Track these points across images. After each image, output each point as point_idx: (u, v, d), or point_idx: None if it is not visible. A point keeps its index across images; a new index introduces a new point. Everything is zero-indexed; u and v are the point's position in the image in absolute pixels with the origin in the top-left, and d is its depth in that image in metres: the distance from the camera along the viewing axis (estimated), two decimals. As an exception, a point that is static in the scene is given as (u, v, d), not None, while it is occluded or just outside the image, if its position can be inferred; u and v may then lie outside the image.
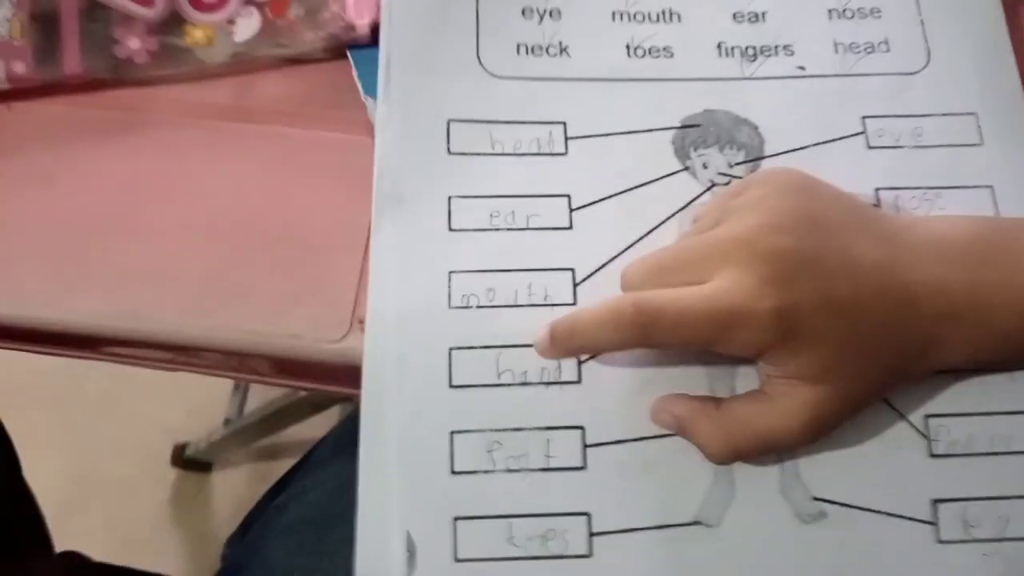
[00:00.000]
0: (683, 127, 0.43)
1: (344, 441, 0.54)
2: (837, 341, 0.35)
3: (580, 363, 0.39)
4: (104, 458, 1.16)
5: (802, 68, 0.45)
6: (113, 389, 1.18)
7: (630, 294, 0.37)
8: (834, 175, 0.42)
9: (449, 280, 0.40)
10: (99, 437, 1.18)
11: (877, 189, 0.42)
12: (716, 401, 0.37)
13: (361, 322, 0.40)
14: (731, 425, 0.36)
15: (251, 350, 0.41)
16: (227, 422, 1.17)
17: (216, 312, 0.41)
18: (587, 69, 0.45)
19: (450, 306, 0.39)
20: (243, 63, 0.47)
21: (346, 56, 0.46)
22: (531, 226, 0.41)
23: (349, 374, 0.40)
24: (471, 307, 0.39)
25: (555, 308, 0.40)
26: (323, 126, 0.45)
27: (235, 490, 1.16)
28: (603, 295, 0.39)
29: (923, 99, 0.45)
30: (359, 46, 0.46)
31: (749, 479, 0.37)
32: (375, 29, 0.45)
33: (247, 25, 0.46)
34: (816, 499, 0.37)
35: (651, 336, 0.35)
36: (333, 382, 0.43)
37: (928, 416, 0.39)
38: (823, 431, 0.36)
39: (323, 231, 0.43)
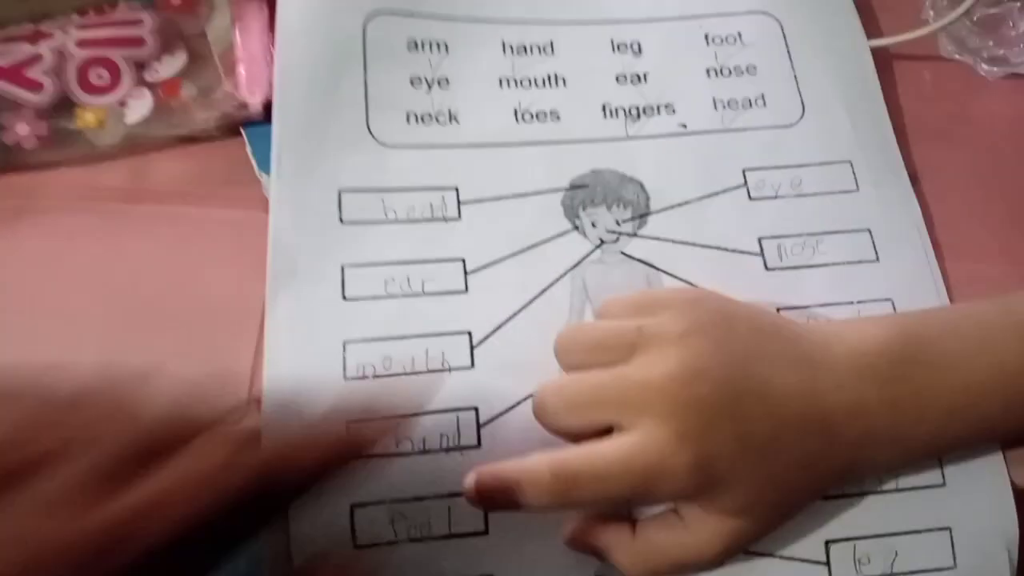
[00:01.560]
0: (572, 188, 0.44)
1: None
2: (755, 481, 0.35)
3: (479, 426, 0.39)
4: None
5: (684, 125, 0.47)
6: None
7: (545, 459, 0.35)
8: (718, 227, 0.44)
9: (344, 350, 0.40)
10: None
11: (760, 238, 0.44)
12: (631, 526, 0.37)
13: (258, 401, 0.40)
14: (649, 553, 0.36)
15: None
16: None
17: None
18: (477, 135, 0.46)
19: (346, 377, 0.40)
20: (136, 144, 0.46)
21: (240, 133, 0.47)
22: (426, 291, 0.42)
23: None
24: (367, 377, 0.40)
25: (453, 372, 0.40)
26: (218, 203, 0.45)
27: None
28: (500, 358, 0.40)
29: (800, 150, 0.46)
30: (253, 123, 0.47)
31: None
32: (268, 106, 0.46)
33: (139, 106, 0.46)
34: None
35: (570, 499, 0.34)
36: None
37: None
38: (737, 552, 0.37)
39: (217, 310, 0.42)
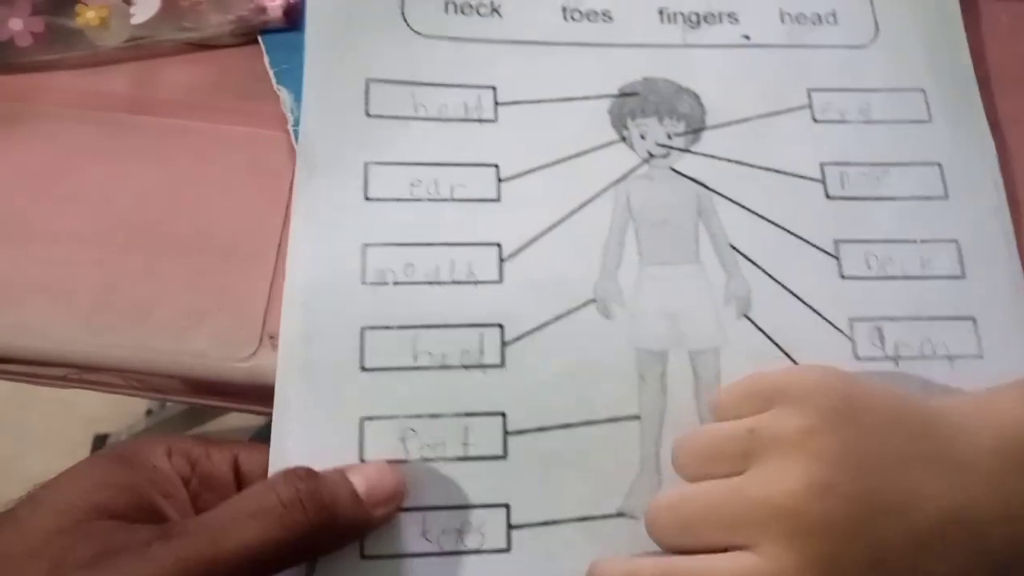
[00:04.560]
0: (621, 95, 0.41)
1: None
2: None
3: (504, 345, 0.36)
4: (23, 451, 1.11)
5: (747, 37, 0.43)
6: (29, 377, 1.13)
7: (655, 563, 0.32)
8: (777, 148, 0.40)
9: (364, 253, 0.37)
10: (17, 429, 1.13)
11: (823, 164, 0.40)
12: None
13: (272, 338, 0.36)
14: None
15: (151, 369, 0.37)
16: (149, 412, 1.12)
17: (113, 329, 0.37)
18: (520, 31, 0.42)
19: (364, 282, 0.36)
20: (142, 48, 0.42)
21: (257, 41, 0.42)
22: (455, 197, 0.38)
23: (260, 394, 0.36)
24: (387, 283, 0.36)
25: (479, 286, 0.37)
26: (231, 119, 0.41)
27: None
28: (530, 274, 0.37)
29: (871, 73, 0.42)
30: (271, 30, 0.42)
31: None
32: (288, 12, 0.42)
33: (146, 5, 0.42)
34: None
35: None
36: (243, 401, 0.39)
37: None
38: None
39: (231, 237, 0.38)
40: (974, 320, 0.38)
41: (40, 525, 0.28)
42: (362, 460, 0.34)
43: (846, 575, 0.30)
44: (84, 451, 1.11)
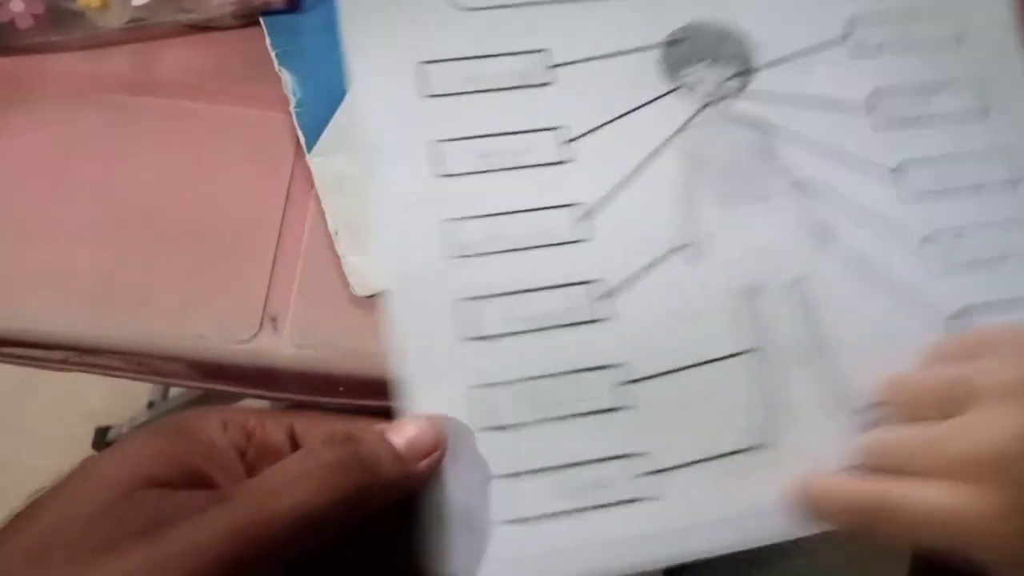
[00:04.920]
0: (670, 43, 0.41)
1: None
2: None
3: (603, 298, 0.37)
4: (23, 445, 1.10)
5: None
6: (30, 372, 1.11)
7: (874, 490, 0.33)
8: (826, 81, 0.41)
9: (445, 229, 0.37)
10: (17, 423, 1.12)
11: (870, 93, 0.41)
12: None
13: (274, 320, 0.37)
14: None
15: (151, 351, 0.37)
16: (151, 405, 1.11)
17: (114, 312, 0.37)
18: None
19: (452, 256, 0.37)
20: (143, 30, 0.41)
21: (258, 23, 0.42)
22: (524, 164, 0.39)
23: (262, 377, 0.37)
24: (475, 255, 0.37)
25: (565, 246, 0.37)
26: (233, 101, 0.41)
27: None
28: (614, 228, 0.38)
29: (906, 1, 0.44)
30: (273, 12, 0.42)
31: (802, 394, 0.37)
32: None
33: None
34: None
35: (874, 530, 0.33)
36: (246, 385, 0.39)
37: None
38: None
39: (232, 221, 0.39)
40: None
41: (91, 497, 0.28)
42: (484, 427, 0.35)
43: None
44: (85, 445, 1.10)
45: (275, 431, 0.33)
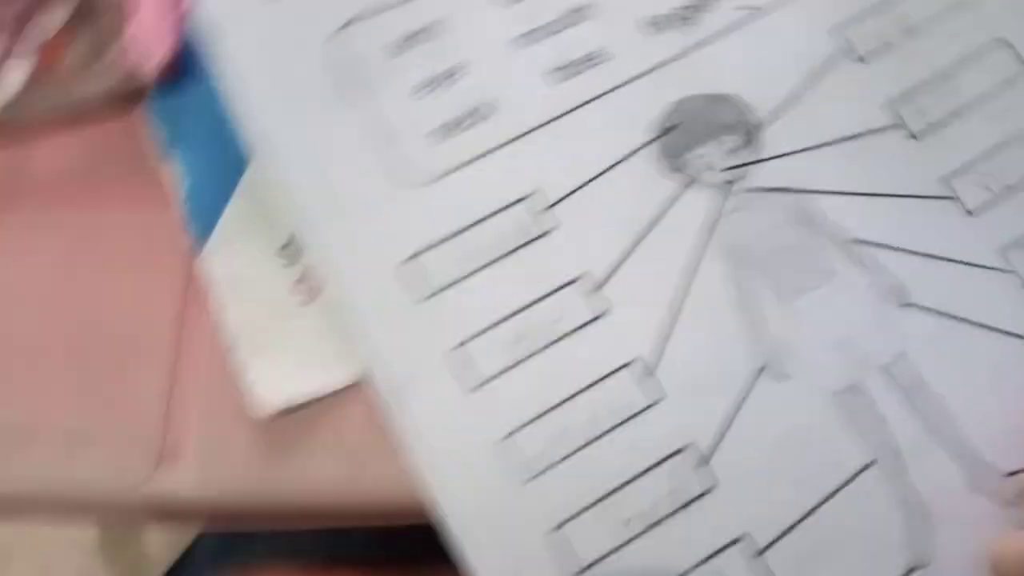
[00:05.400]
0: (661, 135, 0.36)
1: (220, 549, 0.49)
2: None
3: (705, 464, 0.33)
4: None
5: (748, 7, 0.38)
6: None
7: None
8: (841, 110, 0.37)
9: (506, 450, 0.32)
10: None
11: (892, 104, 0.37)
12: None
13: (173, 453, 0.33)
14: None
15: (31, 501, 0.34)
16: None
17: None
18: (525, 119, 0.37)
19: (526, 480, 0.32)
20: (10, 128, 0.37)
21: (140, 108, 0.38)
22: (562, 332, 0.34)
23: (165, 516, 0.34)
24: (548, 469, 0.32)
25: (637, 420, 0.33)
26: (113, 205, 0.37)
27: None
28: (683, 375, 0.33)
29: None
30: (152, 93, 0.37)
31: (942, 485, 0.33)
32: (171, 67, 0.37)
33: (8, 83, 0.36)
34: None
35: None
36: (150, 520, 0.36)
37: None
38: None
39: (118, 341, 0.35)
40: None
41: None
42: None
43: None
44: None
45: None
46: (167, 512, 0.34)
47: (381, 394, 0.33)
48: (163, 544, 1.06)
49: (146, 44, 0.36)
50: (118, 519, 0.34)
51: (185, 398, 0.34)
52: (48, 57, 0.36)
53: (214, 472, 0.34)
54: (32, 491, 0.34)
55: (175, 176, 0.36)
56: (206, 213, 0.35)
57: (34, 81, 0.36)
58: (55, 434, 0.34)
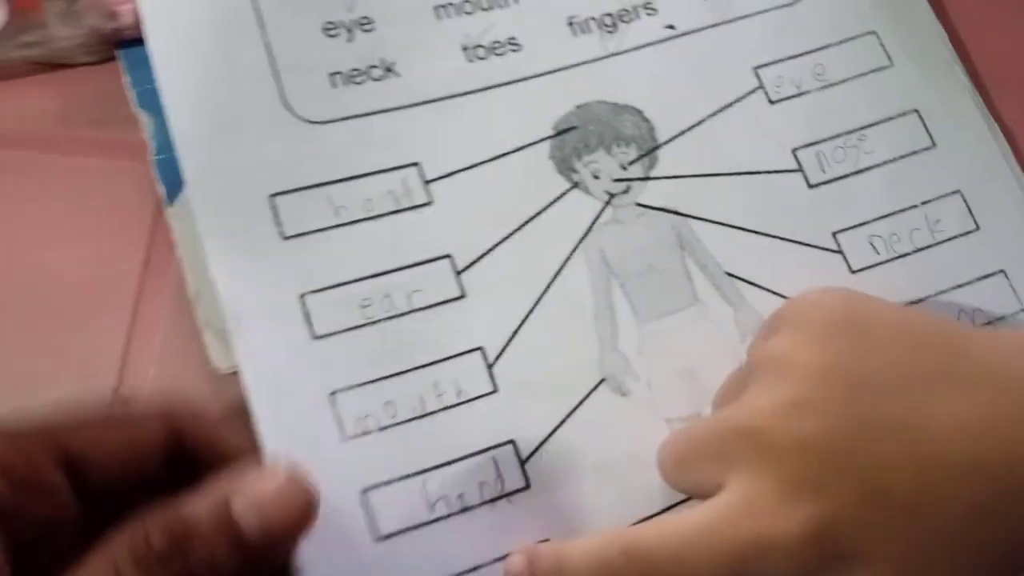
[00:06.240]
0: (558, 134, 0.36)
1: None
2: (901, 556, 0.25)
3: (523, 463, 0.31)
4: None
5: (672, 27, 0.38)
6: None
7: (619, 535, 0.28)
8: (741, 146, 0.36)
9: (334, 404, 0.32)
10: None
11: (794, 150, 0.36)
12: None
13: (125, 403, 0.32)
14: None
15: None
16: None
17: None
18: (425, 87, 0.36)
19: (345, 437, 0.31)
20: None
21: (115, 59, 0.37)
22: (416, 306, 0.33)
23: None
24: (371, 431, 0.31)
25: (475, 403, 0.32)
26: (84, 151, 0.36)
27: None
28: (524, 373, 0.32)
29: (814, 30, 0.38)
30: (131, 43, 0.36)
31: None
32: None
33: None
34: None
35: None
36: None
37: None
38: None
39: (79, 287, 0.34)
40: (1004, 273, 0.35)
41: None
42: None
43: (837, 505, 0.25)
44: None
45: (43, 462, 0.24)
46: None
47: (225, 318, 0.32)
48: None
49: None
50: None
51: (142, 351, 0.34)
52: (25, 1, 0.36)
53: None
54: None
55: (148, 130, 0.35)
56: (176, 172, 0.34)
57: (10, 25, 0.36)
58: (7, 377, 0.32)
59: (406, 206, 0.34)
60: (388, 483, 0.31)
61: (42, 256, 0.35)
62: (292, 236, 0.33)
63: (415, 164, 0.35)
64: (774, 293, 0.34)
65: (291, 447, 0.30)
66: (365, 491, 0.30)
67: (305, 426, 0.31)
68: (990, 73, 0.39)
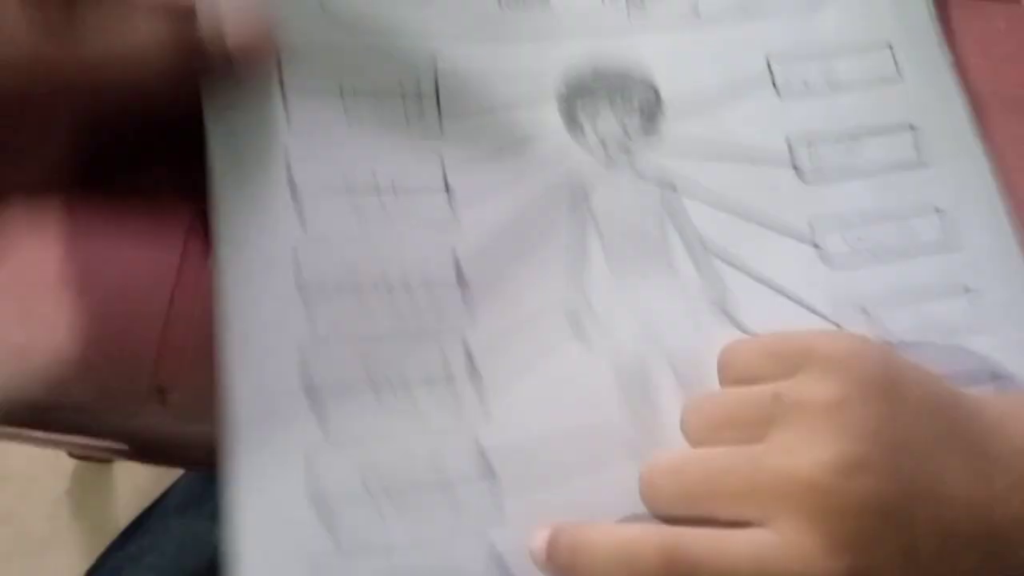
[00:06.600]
0: (569, 91, 0.38)
1: (189, 500, 0.50)
2: None
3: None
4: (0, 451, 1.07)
5: (696, 11, 0.39)
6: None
7: (657, 533, 0.28)
8: (743, 131, 0.38)
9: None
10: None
11: (789, 141, 0.38)
12: None
13: (161, 391, 0.33)
14: None
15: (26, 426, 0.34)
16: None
17: None
18: (456, 21, 0.38)
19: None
20: None
21: None
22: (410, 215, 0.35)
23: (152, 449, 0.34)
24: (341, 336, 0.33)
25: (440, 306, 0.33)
26: None
27: (136, 480, 1.09)
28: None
29: (832, 34, 0.40)
30: None
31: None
32: None
33: None
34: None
35: None
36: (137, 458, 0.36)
37: None
38: None
39: (120, 279, 0.35)
40: (975, 291, 0.36)
41: None
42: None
43: (878, 561, 0.27)
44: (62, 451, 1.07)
45: None
46: (152, 445, 0.34)
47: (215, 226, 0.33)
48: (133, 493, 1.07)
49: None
50: (101, 452, 0.34)
51: (179, 341, 0.34)
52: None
53: (196, 415, 0.33)
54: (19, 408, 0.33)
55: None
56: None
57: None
58: (50, 359, 0.33)
59: (416, 131, 0.36)
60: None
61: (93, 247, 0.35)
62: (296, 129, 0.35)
63: (435, 95, 0.36)
64: (748, 275, 0.36)
65: None
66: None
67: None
68: (984, 98, 0.40)
